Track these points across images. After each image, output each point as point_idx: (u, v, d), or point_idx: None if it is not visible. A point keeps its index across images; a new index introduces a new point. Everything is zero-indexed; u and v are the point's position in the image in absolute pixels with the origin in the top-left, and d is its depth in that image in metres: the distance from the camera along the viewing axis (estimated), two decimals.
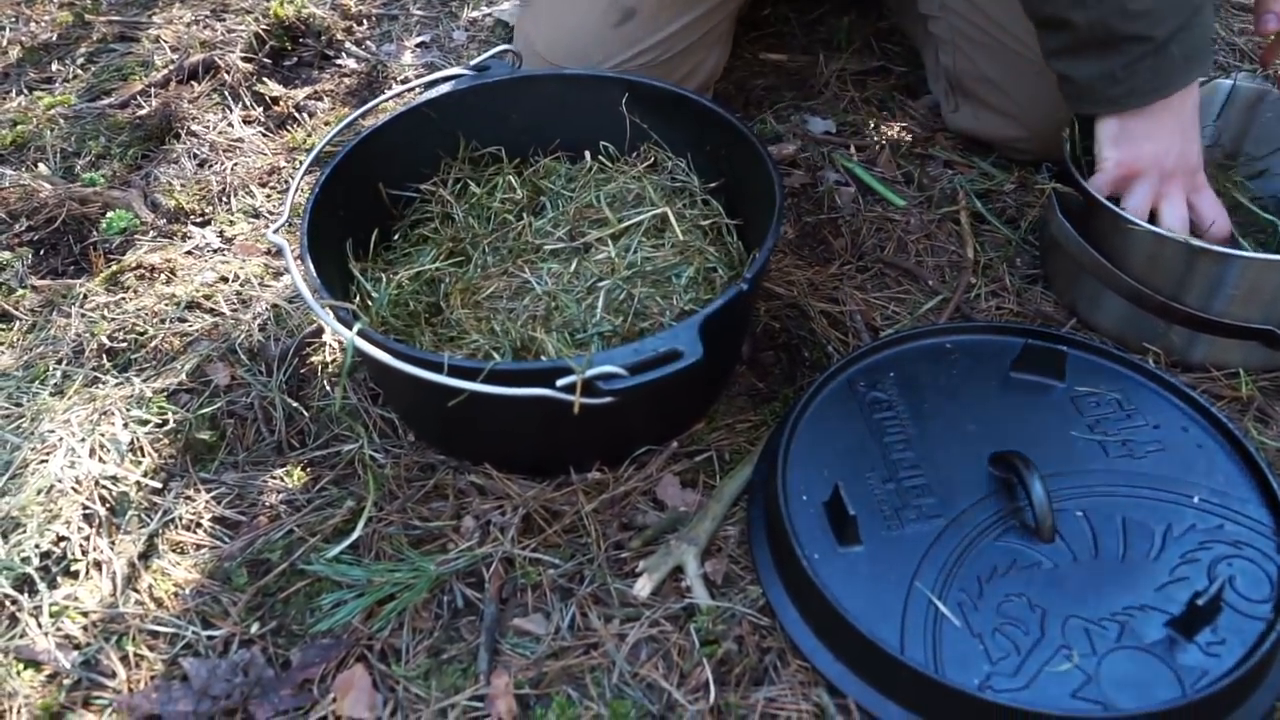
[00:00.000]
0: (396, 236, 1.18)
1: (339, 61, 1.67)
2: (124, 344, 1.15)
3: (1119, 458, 0.94)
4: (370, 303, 1.06)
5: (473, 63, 1.20)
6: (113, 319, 1.18)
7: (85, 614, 0.91)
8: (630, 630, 0.89)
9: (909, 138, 1.45)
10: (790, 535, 0.87)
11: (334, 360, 1.14)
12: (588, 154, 1.22)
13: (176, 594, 0.93)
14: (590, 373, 0.82)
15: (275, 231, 0.98)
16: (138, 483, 1.01)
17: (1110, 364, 1.03)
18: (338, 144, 1.14)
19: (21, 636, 0.89)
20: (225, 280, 1.24)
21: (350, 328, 0.89)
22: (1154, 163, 1.05)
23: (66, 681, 0.87)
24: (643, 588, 0.92)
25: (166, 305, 1.20)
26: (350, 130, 1.15)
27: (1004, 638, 0.81)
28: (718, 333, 0.89)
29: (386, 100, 1.15)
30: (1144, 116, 1.04)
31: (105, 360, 1.14)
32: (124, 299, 1.22)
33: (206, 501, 1.01)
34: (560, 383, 0.83)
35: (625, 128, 1.20)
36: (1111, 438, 0.96)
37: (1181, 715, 0.76)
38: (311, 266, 0.96)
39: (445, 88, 1.19)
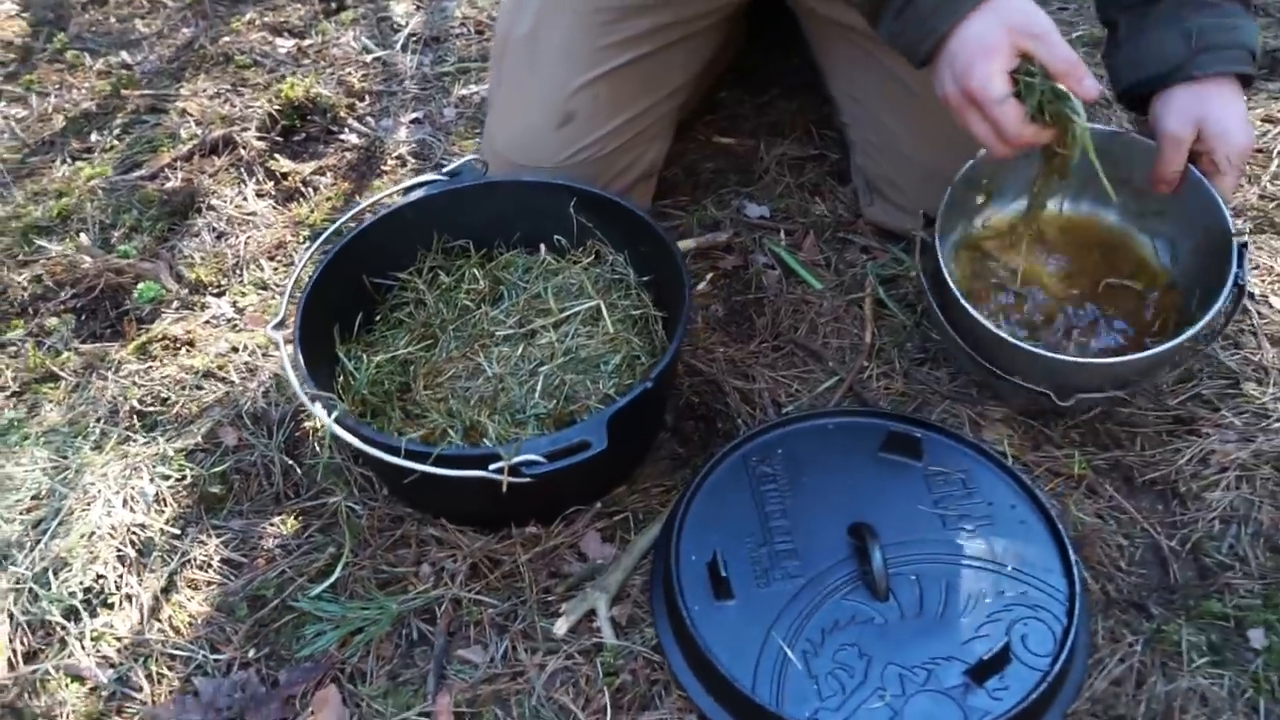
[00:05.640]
0: (378, 319, 1.40)
1: (342, 136, 1.89)
2: (152, 408, 1.39)
3: (954, 529, 1.15)
4: (353, 382, 1.28)
5: (445, 170, 1.42)
6: (142, 385, 1.42)
7: (119, 639, 1.15)
8: (550, 662, 1.11)
9: (834, 222, 1.64)
10: (676, 590, 1.09)
11: (323, 425, 1.36)
12: (543, 247, 1.44)
13: (191, 623, 1.16)
14: (515, 460, 1.05)
15: (273, 327, 1.20)
16: (161, 529, 1.24)
17: (961, 447, 1.23)
18: (332, 237, 1.36)
19: (69, 656, 1.13)
20: (236, 350, 1.47)
21: (330, 413, 1.11)
22: (962, 94, 1.07)
23: (105, 694, 1.10)
24: (561, 627, 1.14)
25: (186, 374, 1.43)
26: (349, 218, 1.39)
27: (835, 680, 1.02)
28: (626, 422, 1.10)
29: (379, 200, 1.38)
30: (940, 55, 1.09)
31: (136, 421, 1.37)
32: (151, 367, 1.45)
33: (216, 545, 1.24)
34: (492, 467, 1.05)
35: (574, 226, 1.42)
36: (951, 512, 1.17)
37: None
38: (301, 359, 1.18)
39: (421, 191, 1.41)
